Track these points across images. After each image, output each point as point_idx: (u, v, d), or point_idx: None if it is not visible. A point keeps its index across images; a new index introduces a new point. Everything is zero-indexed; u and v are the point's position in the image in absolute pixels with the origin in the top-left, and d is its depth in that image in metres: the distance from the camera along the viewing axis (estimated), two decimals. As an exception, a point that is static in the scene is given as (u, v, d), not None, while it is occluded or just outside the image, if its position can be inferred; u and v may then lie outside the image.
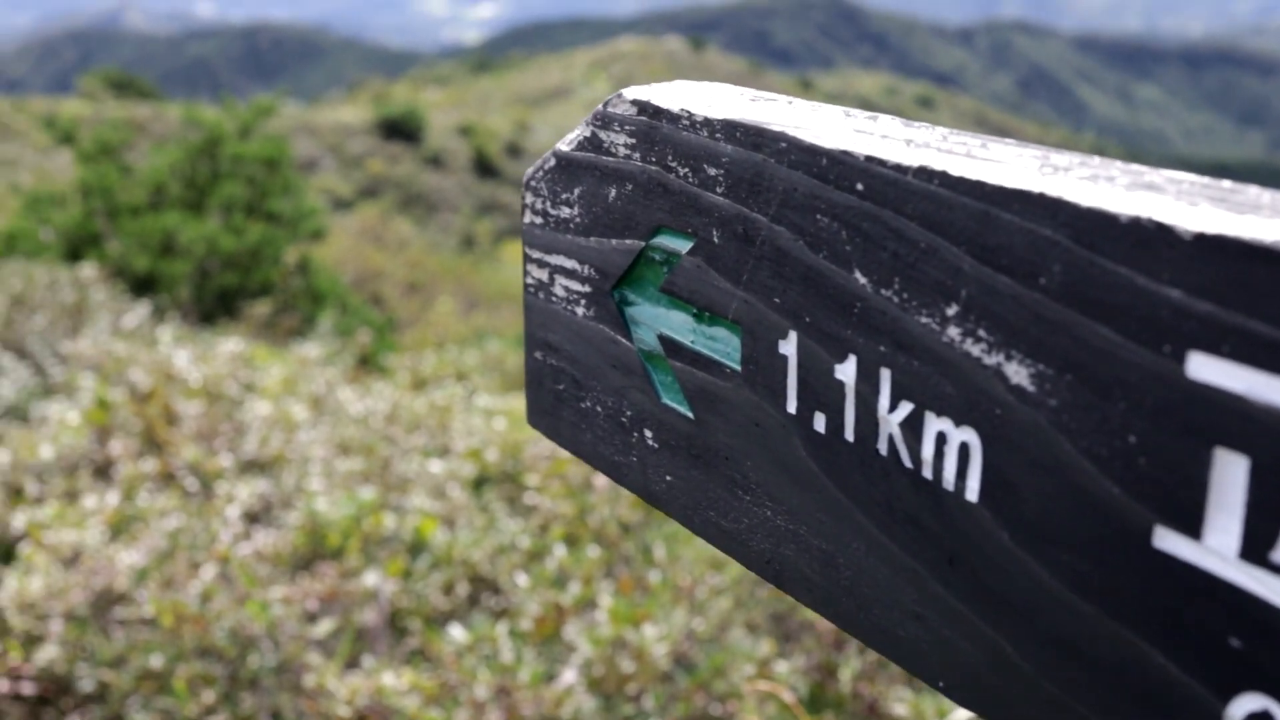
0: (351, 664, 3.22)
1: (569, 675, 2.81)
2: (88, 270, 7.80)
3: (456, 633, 2.92)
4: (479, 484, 4.27)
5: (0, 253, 8.70)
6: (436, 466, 4.19)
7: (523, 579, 3.19)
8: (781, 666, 2.73)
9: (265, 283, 9.45)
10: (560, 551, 3.29)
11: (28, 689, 3.73)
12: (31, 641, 3.77)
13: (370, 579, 3.35)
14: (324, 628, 3.09)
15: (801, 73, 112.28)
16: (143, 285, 8.91)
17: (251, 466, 4.43)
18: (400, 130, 50.52)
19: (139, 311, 7.32)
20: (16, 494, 4.61)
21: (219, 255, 9.04)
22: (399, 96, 61.68)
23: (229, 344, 5.37)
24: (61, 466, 4.70)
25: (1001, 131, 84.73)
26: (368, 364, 8.33)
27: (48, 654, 3.56)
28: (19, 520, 4.17)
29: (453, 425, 4.79)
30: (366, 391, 5.38)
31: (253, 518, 4.02)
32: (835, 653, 2.76)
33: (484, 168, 50.28)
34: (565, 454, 4.21)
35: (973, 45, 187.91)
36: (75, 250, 9.14)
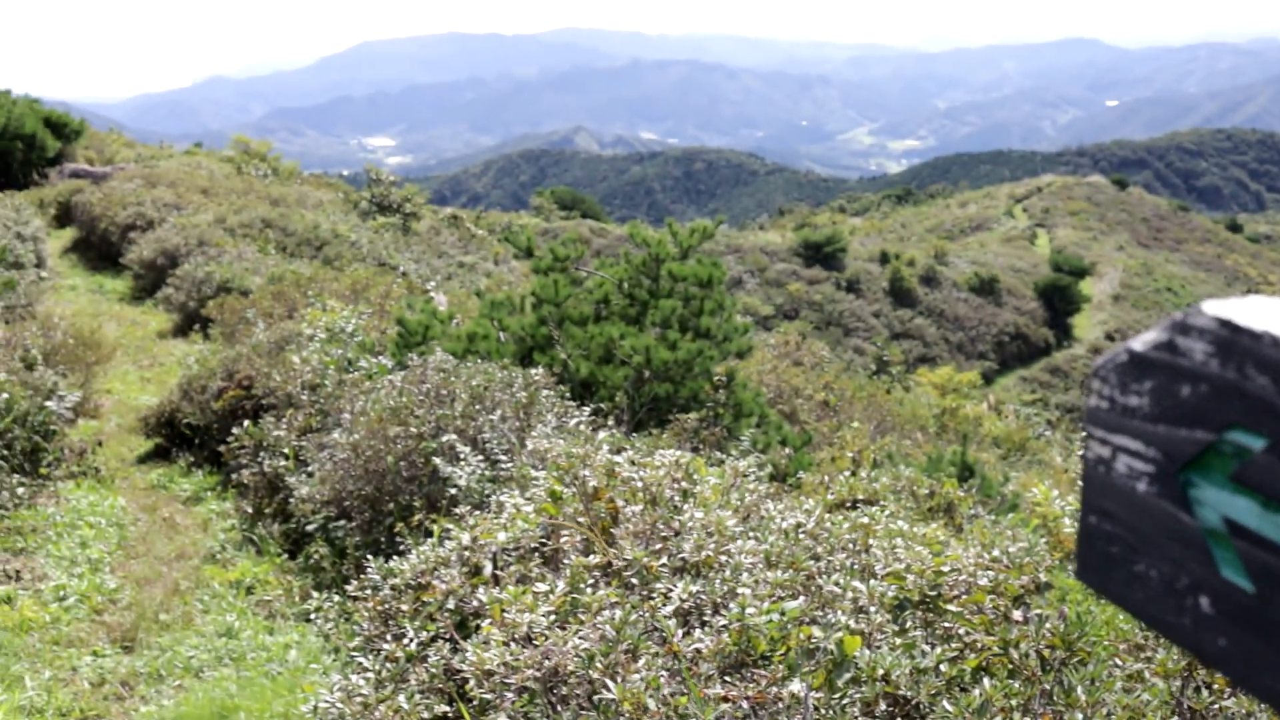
0: (775, 769, 3.36)
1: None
2: (537, 372, 8.33)
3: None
4: (899, 607, 4.34)
5: (462, 351, 9.43)
6: (859, 585, 4.29)
7: (948, 704, 3.25)
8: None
9: (694, 394, 9.88)
10: (986, 682, 3.33)
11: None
12: (483, 709, 4.15)
13: (795, 688, 3.48)
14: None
15: (1230, 214, 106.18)
16: (584, 389, 9.53)
17: (685, 569, 4.67)
18: (821, 255, 51.59)
19: (581, 414, 7.77)
20: (475, 572, 5.07)
21: (654, 366, 9.54)
22: (821, 222, 63.00)
23: (669, 453, 5.68)
24: (515, 551, 5.13)
25: None
26: (785, 479, 8.54)
27: (497, 722, 3.92)
28: (478, 596, 4.61)
29: (873, 547, 4.88)
30: (791, 506, 5.54)
31: (684, 617, 4.25)
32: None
33: (900, 295, 50.55)
34: (984, 584, 4.25)
35: None
36: (527, 353, 9.86)
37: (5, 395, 9.88)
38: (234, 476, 9.55)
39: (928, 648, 3.85)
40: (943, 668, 3.63)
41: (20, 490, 9.51)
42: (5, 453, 9.65)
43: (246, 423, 9.77)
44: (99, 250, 24.86)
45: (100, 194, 26.82)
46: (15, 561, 8.21)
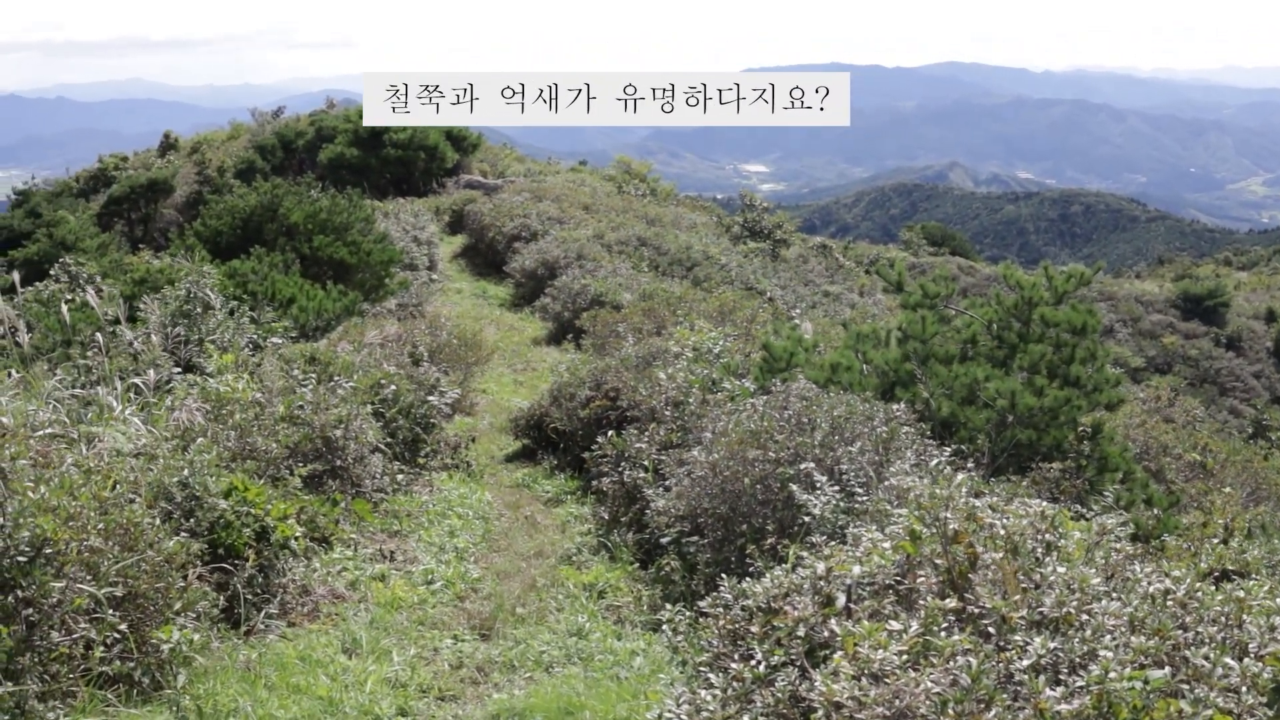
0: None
1: None
2: (899, 408, 8.25)
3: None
4: (1276, 690, 4.06)
5: (824, 380, 9.45)
6: (1231, 662, 4.05)
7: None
8: None
9: (1057, 443, 9.55)
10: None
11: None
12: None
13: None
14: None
15: None
16: (943, 429, 9.37)
17: (1043, 623, 4.52)
18: (1201, 308, 48.95)
19: (941, 454, 7.64)
20: (827, 602, 5.07)
21: (1018, 411, 9.29)
22: (1203, 274, 59.68)
23: (1034, 503, 5.52)
24: (869, 586, 5.10)
25: None
26: (1148, 540, 8.13)
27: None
28: (829, 627, 4.61)
29: (1247, 623, 4.59)
30: (1158, 570, 5.28)
31: (1038, 673, 4.12)
32: None
33: (1287, 356, 47.41)
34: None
35: None
36: (889, 387, 9.79)
37: (393, 388, 10.64)
38: (594, 483, 9.91)
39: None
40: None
41: (400, 476, 10.22)
42: (389, 440, 10.39)
43: (610, 432, 10.13)
44: (485, 257, 26.41)
45: (490, 205, 28.50)
46: (390, 542, 8.83)
